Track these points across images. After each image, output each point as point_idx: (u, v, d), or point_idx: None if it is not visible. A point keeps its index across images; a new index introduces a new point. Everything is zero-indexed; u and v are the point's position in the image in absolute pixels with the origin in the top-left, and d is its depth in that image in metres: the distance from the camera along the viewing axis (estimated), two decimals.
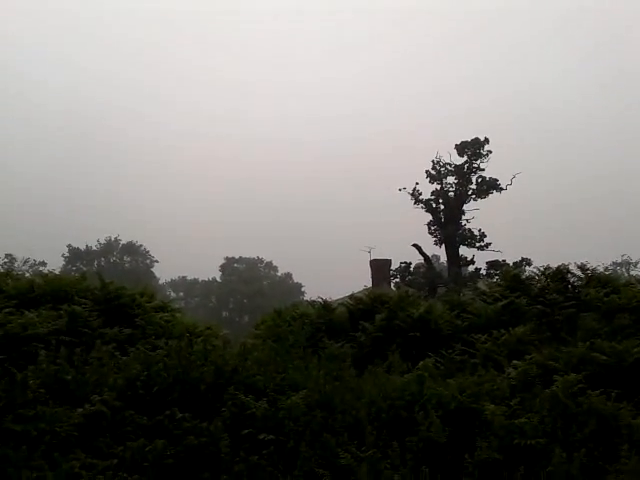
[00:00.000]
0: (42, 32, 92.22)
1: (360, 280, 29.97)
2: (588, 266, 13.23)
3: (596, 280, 12.78)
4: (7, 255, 61.12)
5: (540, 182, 71.75)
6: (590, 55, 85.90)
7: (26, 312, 10.10)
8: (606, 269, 14.07)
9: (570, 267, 13.36)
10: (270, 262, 78.07)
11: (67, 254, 68.51)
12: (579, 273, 13.23)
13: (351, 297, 14.65)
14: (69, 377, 8.21)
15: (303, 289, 71.50)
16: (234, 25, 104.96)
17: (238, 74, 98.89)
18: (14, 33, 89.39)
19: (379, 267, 32.34)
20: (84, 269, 59.72)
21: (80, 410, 7.52)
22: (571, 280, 13.18)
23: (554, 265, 13.52)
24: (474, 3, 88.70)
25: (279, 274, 78.56)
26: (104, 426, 7.44)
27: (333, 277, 59.34)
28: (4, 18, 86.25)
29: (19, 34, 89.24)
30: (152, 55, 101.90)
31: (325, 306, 13.82)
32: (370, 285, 25.52)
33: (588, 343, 9.31)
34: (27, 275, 16.12)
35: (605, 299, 11.71)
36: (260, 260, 77.98)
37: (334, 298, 15.41)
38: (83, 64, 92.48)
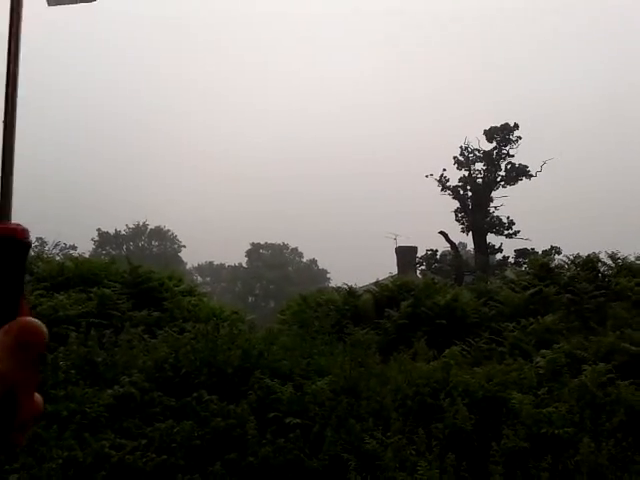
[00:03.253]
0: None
1: (386, 267, 29.87)
2: (619, 255, 13.05)
3: (627, 269, 12.59)
4: (38, 239, 62.00)
5: (571, 169, 70.46)
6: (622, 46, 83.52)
7: (56, 295, 10.29)
8: (637, 258, 13.82)
9: (600, 256, 13.19)
10: (295, 248, 78.32)
11: (97, 238, 69.51)
12: (609, 262, 13.04)
13: (376, 284, 14.66)
14: (99, 359, 8.35)
15: (328, 275, 71.70)
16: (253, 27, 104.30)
17: (262, 72, 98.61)
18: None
19: (405, 254, 32.19)
20: (113, 253, 60.58)
21: (110, 391, 7.65)
22: (601, 269, 13.01)
23: (584, 254, 13.36)
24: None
25: (304, 260, 78.79)
26: (133, 407, 7.57)
27: (358, 264, 59.30)
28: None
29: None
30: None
31: (350, 292, 13.85)
32: (396, 272, 25.48)
33: (618, 333, 9.19)
34: (57, 258, 16.37)
35: (636, 288, 11.52)
36: (285, 246, 78.24)
37: (359, 285, 15.44)
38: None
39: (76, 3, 0.75)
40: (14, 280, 0.64)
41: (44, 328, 0.63)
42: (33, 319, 0.63)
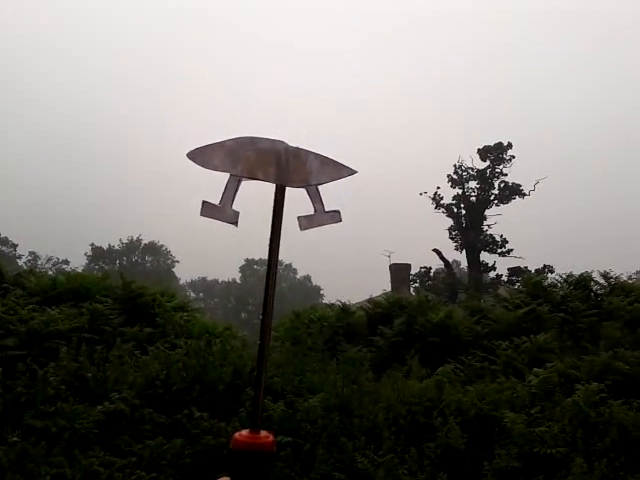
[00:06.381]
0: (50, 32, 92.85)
1: (379, 284, 29.81)
2: (611, 274, 13.09)
3: (619, 288, 12.62)
4: (31, 253, 62.18)
5: (564, 189, 70.90)
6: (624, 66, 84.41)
7: (48, 309, 10.22)
8: (630, 277, 13.89)
9: (593, 275, 13.23)
10: (289, 264, 78.23)
11: (90, 253, 69.27)
12: (602, 281, 13.08)
13: (370, 301, 14.63)
14: (89, 374, 8.28)
15: (322, 292, 71.57)
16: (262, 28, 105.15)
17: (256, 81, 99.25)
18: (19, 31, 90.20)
19: (398, 271, 32.15)
20: (106, 268, 60.40)
21: (100, 407, 7.58)
22: (594, 288, 13.03)
23: (577, 273, 13.40)
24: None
25: (298, 276, 78.69)
26: (123, 424, 7.49)
27: (352, 281, 59.17)
28: (8, 15, 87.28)
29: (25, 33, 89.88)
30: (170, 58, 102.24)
31: (344, 309, 13.81)
32: (389, 289, 25.46)
33: (611, 352, 9.19)
34: (50, 273, 16.32)
35: (628, 308, 11.55)
36: (280, 262, 78.11)
37: (353, 302, 15.41)
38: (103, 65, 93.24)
39: (323, 224, 0.77)
40: None
41: None
42: None
